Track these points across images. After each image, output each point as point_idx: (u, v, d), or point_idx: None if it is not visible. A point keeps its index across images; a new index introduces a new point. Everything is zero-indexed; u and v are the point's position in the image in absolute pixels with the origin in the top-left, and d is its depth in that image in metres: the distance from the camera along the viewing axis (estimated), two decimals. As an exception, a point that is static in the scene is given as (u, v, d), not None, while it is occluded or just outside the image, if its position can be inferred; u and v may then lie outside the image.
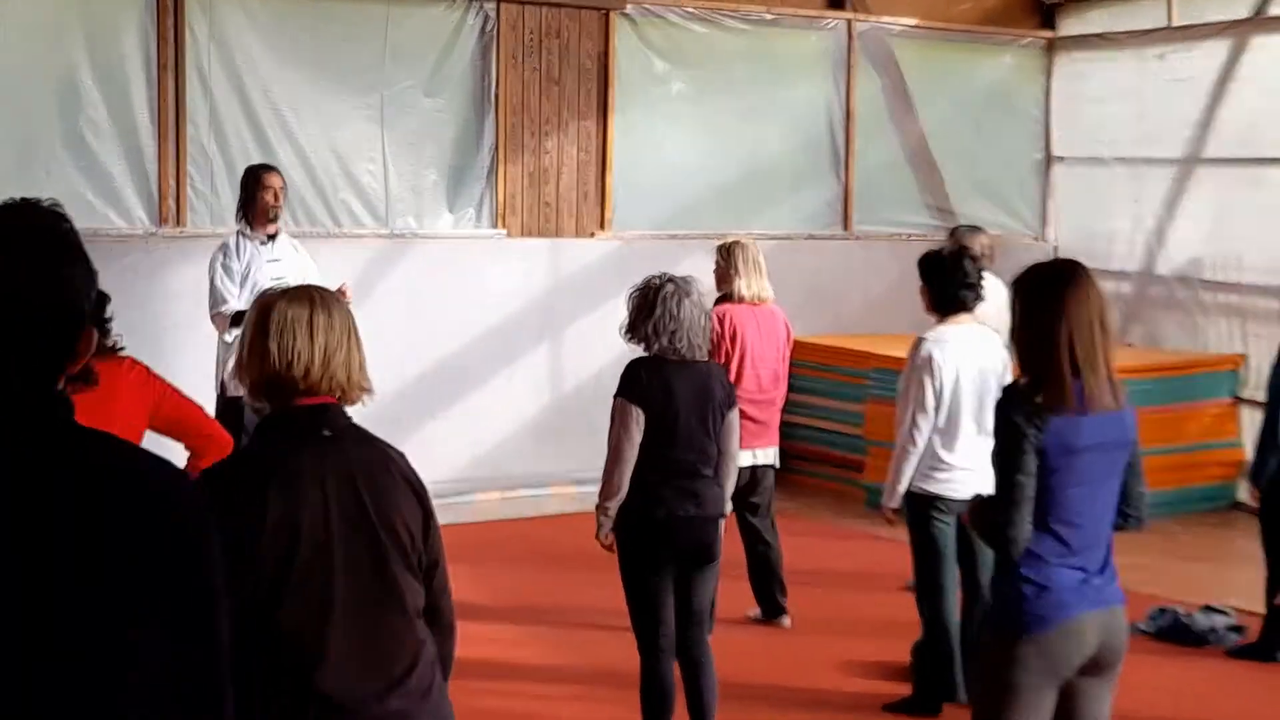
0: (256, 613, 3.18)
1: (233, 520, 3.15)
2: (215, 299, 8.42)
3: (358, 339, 3.41)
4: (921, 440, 6.42)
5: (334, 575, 3.23)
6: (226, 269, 8.43)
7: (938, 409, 6.40)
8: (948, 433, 6.43)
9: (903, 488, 6.49)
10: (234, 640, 3.14)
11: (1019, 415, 4.18)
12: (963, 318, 6.46)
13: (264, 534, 3.19)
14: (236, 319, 8.37)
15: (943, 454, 6.44)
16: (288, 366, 3.30)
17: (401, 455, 3.43)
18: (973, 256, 6.56)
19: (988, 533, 4.28)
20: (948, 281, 6.44)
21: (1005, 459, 4.21)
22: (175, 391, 5.23)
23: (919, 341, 6.49)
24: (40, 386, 2.06)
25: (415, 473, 3.43)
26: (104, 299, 4.67)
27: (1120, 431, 4.28)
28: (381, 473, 3.34)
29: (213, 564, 2.11)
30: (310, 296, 3.39)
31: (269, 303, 3.38)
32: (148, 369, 5.21)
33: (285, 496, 3.22)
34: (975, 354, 6.48)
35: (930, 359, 6.36)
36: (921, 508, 6.52)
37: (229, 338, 8.34)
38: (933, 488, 6.47)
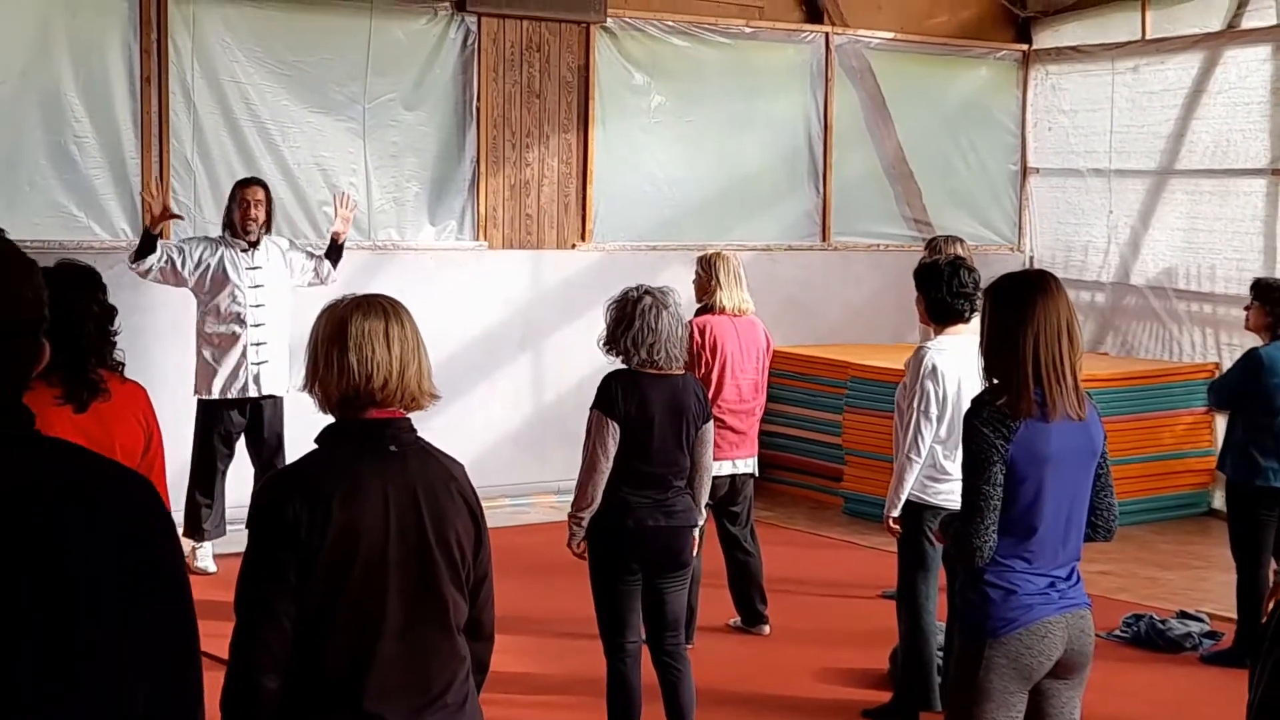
0: (308, 622, 3.16)
1: (295, 526, 3.14)
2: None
3: (424, 346, 3.37)
4: (924, 448, 6.40)
5: (387, 590, 3.20)
6: (187, 245, 8.73)
7: (940, 417, 6.37)
8: (950, 442, 6.33)
9: (904, 496, 6.46)
10: (296, 647, 3.15)
11: (987, 426, 4.21)
12: (959, 328, 6.40)
13: (326, 542, 3.15)
14: (144, 248, 8.57)
15: (945, 464, 6.38)
16: (367, 379, 3.25)
17: (462, 470, 3.40)
18: (969, 267, 6.50)
19: (955, 542, 4.30)
20: (944, 291, 6.39)
21: (973, 469, 4.24)
22: (161, 440, 4.96)
23: (920, 350, 6.48)
24: (3, 398, 2.05)
25: (473, 488, 3.40)
26: (110, 312, 4.51)
27: (1086, 441, 4.31)
28: (441, 489, 3.30)
29: (179, 566, 2.12)
30: (383, 307, 3.34)
31: (342, 316, 3.32)
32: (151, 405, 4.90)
33: (348, 507, 3.18)
34: (974, 364, 6.50)
35: (935, 367, 6.34)
36: (914, 517, 6.52)
37: (137, 266, 8.55)
38: (928, 498, 6.46)
